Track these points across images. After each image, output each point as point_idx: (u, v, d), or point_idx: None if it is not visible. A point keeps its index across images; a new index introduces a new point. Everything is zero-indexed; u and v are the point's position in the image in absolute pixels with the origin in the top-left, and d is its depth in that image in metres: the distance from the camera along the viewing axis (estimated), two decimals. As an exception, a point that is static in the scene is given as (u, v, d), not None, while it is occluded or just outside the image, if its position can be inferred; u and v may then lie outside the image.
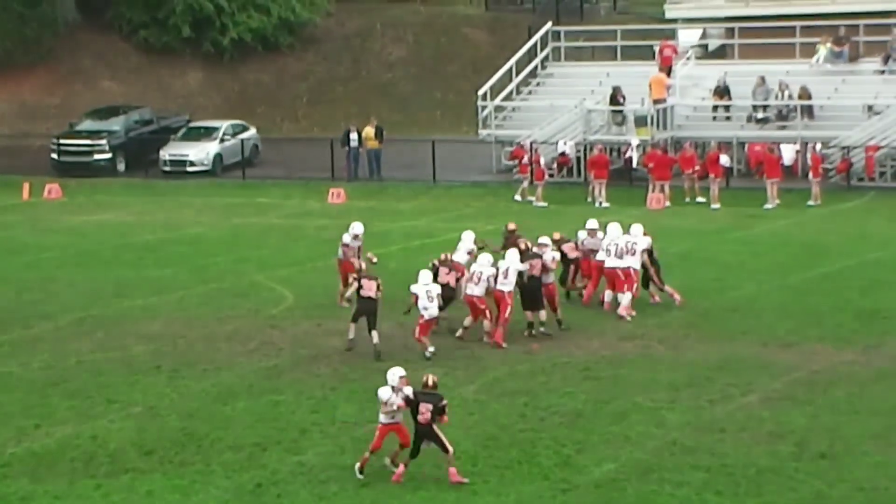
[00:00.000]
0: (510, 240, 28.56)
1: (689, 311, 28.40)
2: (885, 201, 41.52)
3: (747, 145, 45.64)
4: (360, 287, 25.74)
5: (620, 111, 47.02)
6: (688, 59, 50.28)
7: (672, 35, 51.28)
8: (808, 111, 46.37)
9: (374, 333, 25.49)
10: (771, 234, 36.94)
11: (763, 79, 46.93)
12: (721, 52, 53.04)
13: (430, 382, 19.60)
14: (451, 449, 19.33)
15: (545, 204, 42.07)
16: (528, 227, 31.45)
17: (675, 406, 22.35)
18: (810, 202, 41.33)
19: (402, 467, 19.53)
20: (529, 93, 51.44)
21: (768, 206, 41.03)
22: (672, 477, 19.31)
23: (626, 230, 28.62)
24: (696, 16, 54.12)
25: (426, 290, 25.43)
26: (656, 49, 49.31)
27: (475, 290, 26.37)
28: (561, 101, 48.79)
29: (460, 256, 28.09)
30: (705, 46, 53.27)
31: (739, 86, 47.53)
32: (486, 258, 26.83)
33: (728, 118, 47.78)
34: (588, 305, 28.70)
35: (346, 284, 27.70)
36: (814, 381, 23.50)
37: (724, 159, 43.15)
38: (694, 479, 19.21)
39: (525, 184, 43.53)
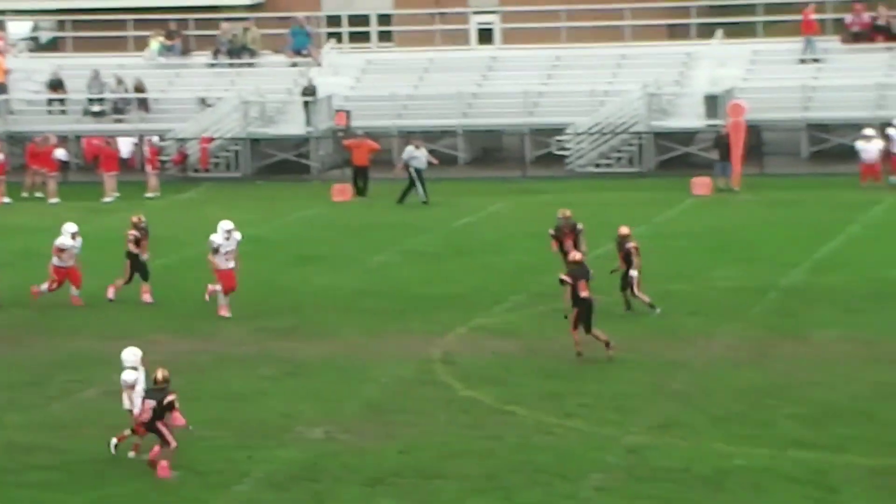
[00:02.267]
0: None
1: (28, 308, 27.99)
2: (219, 191, 42.69)
3: (83, 139, 45.40)
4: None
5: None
6: (19, 51, 49.44)
7: (1, 26, 50.27)
8: (144, 104, 46.80)
9: None
10: (105, 229, 36.30)
11: (97, 72, 46.88)
12: (53, 45, 52.55)
13: (160, 377, 18.94)
14: (173, 444, 18.75)
15: None
16: None
17: (13, 406, 21.96)
18: (148, 194, 41.69)
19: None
20: None
21: (107, 199, 41.04)
22: (12, 479, 18.94)
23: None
24: (25, 7, 53.33)
25: None
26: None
27: None
28: None
29: None
30: (37, 39, 52.60)
31: (74, 79, 47.30)
32: None
33: (64, 112, 47.39)
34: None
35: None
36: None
37: (61, 153, 42.74)
38: (34, 479, 18.92)
39: None
